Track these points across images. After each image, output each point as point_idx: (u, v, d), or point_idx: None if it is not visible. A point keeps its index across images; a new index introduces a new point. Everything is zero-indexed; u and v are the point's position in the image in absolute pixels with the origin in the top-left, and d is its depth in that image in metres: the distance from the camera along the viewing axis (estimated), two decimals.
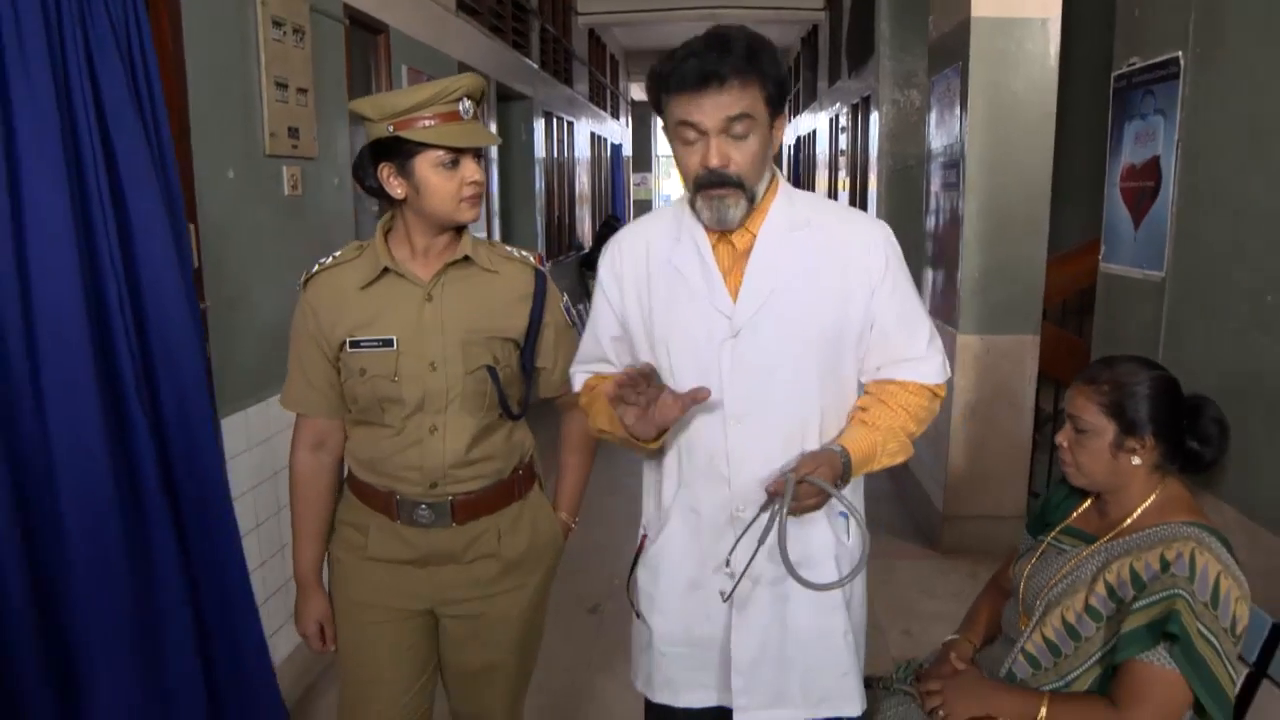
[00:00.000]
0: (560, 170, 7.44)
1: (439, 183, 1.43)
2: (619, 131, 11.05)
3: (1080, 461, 1.53)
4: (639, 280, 1.48)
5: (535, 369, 1.62)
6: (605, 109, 9.81)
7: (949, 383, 1.52)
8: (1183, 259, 1.85)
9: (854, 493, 1.47)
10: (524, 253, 1.62)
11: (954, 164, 3.65)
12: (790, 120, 10.85)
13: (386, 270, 1.49)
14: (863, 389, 1.50)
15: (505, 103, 5.55)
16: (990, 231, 3.50)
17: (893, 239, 1.45)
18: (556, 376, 1.64)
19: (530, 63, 6.07)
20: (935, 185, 4.00)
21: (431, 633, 1.64)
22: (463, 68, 4.42)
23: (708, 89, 1.29)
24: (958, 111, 3.57)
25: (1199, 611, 1.35)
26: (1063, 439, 1.56)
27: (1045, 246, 3.53)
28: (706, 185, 1.35)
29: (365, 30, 3.24)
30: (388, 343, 1.48)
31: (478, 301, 1.52)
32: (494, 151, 5.20)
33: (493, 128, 5.13)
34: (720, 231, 1.41)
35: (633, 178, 12.92)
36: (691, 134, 1.32)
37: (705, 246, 1.43)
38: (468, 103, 1.45)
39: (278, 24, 2.56)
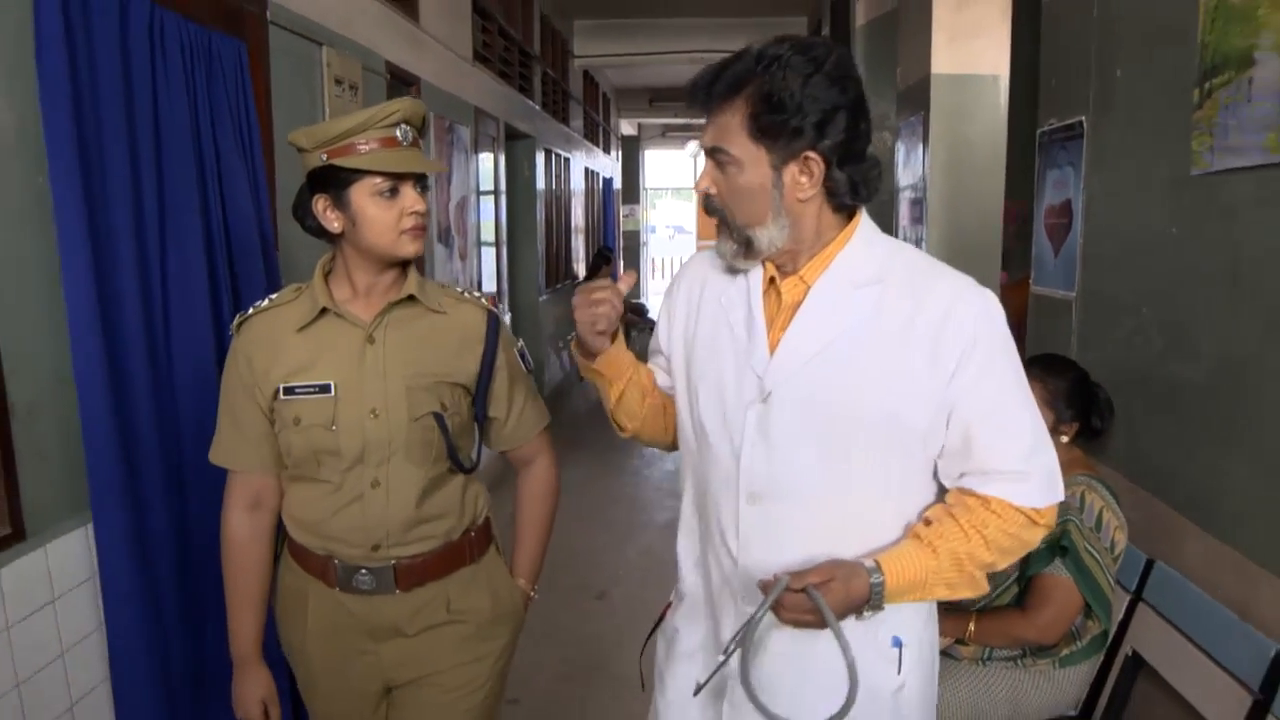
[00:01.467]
0: (558, 203, 7.90)
1: (377, 213, 1.33)
2: (610, 165, 11.55)
3: None
4: (690, 310, 1.31)
5: (487, 419, 1.50)
6: (598, 144, 10.31)
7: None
8: (1087, 282, 2.31)
9: (899, 614, 1.20)
10: (475, 293, 1.51)
11: (919, 199, 4.13)
12: None
13: (325, 311, 1.38)
14: (942, 494, 1.22)
15: (512, 141, 6.01)
16: (949, 258, 3.87)
17: (994, 312, 1.15)
18: (509, 428, 1.52)
19: (533, 104, 6.54)
20: (904, 217, 4.48)
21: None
22: (479, 113, 4.88)
23: (703, 112, 1.18)
24: (921, 153, 4.05)
25: (1085, 534, 1.79)
26: None
27: (998, 271, 4.00)
28: (705, 210, 1.23)
29: (401, 82, 3.68)
30: (324, 388, 1.36)
31: (424, 344, 1.41)
32: (503, 184, 5.64)
33: (501, 164, 5.58)
34: (785, 274, 1.22)
35: (621, 209, 13.40)
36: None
37: (757, 290, 1.23)
38: (406, 128, 1.35)
39: (338, 82, 3.01)
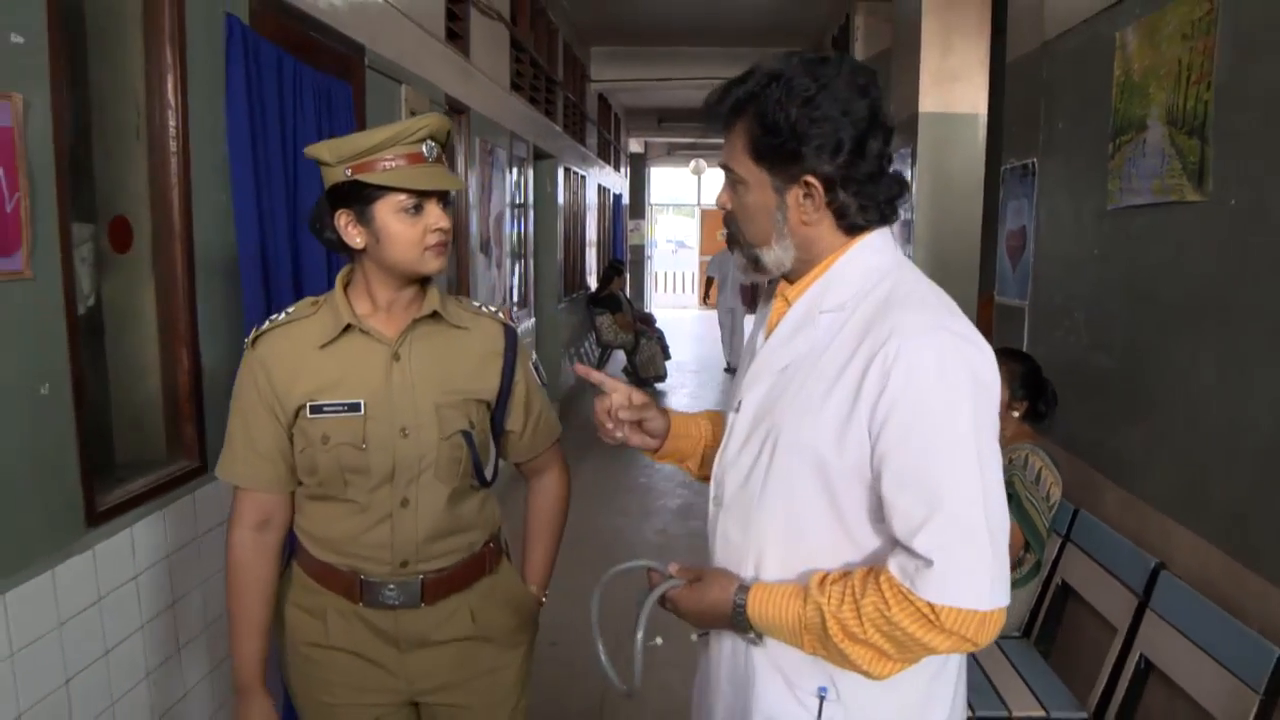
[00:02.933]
0: (574, 218, 8.45)
1: (401, 230, 1.30)
2: (619, 182, 12.11)
3: None
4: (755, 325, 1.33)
5: (504, 432, 1.50)
6: (609, 162, 10.87)
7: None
8: (1035, 292, 2.84)
9: (841, 671, 1.09)
10: (491, 307, 1.50)
11: (907, 222, 4.66)
12: None
13: (349, 327, 1.35)
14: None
15: (539, 161, 6.55)
16: (933, 275, 4.44)
17: (928, 358, 1.00)
18: (525, 441, 1.53)
19: (555, 126, 7.09)
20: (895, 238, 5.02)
21: None
22: (514, 136, 5.42)
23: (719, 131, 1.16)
24: (910, 182, 4.60)
25: (1027, 486, 2.31)
26: None
27: (976, 286, 4.53)
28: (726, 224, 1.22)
29: (455, 111, 4.22)
30: (354, 407, 1.33)
31: (449, 361, 1.40)
32: (530, 199, 6.18)
33: (529, 182, 6.12)
34: (784, 292, 1.20)
35: (628, 224, 13.94)
36: None
37: (770, 307, 1.24)
38: (432, 144, 1.32)
39: (413, 112, 3.54)
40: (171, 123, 2.04)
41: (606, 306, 8.57)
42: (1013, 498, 2.34)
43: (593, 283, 9.62)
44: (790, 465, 1.10)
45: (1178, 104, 1.98)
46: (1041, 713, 2.11)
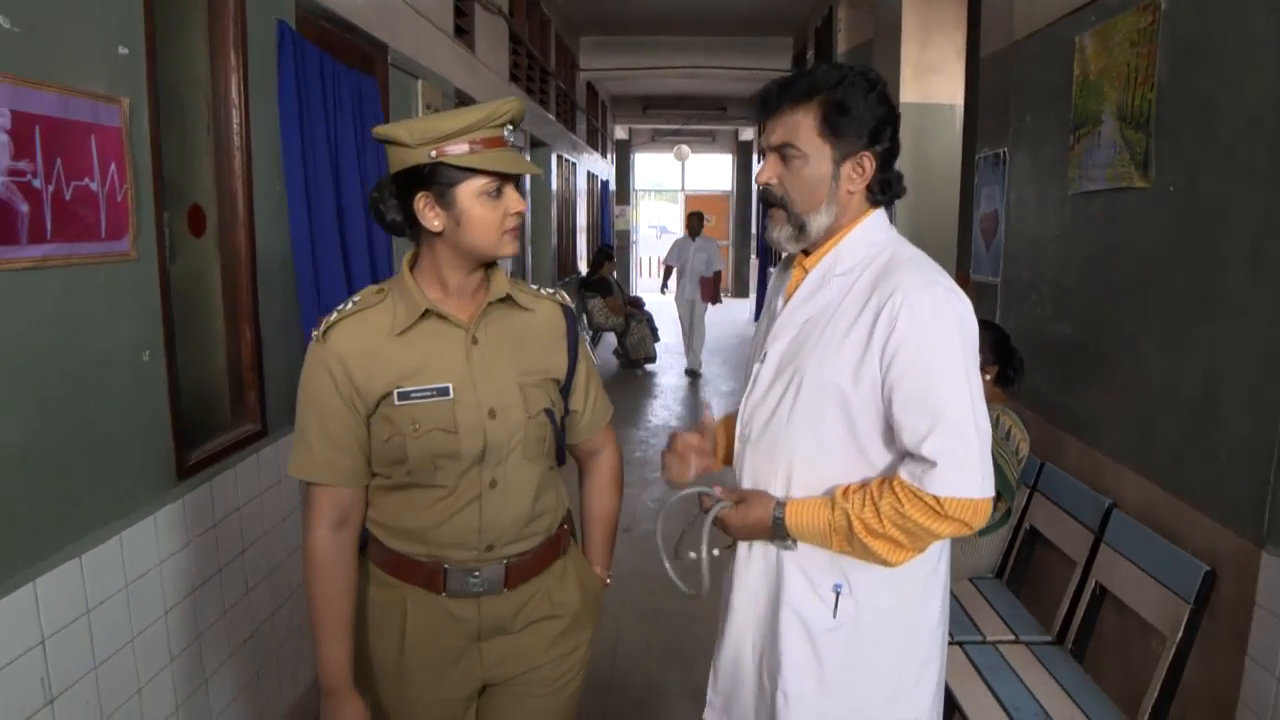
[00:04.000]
0: (566, 204, 8.67)
1: (483, 214, 1.30)
2: (607, 169, 12.32)
3: None
4: (769, 296, 1.57)
5: (569, 412, 1.51)
6: (597, 149, 11.08)
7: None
8: (1006, 270, 3.13)
9: (853, 568, 1.37)
10: (549, 290, 1.52)
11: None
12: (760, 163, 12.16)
13: (426, 313, 1.35)
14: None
15: (535, 149, 6.78)
16: None
17: (927, 307, 1.26)
18: (585, 419, 1.55)
19: (549, 115, 7.31)
20: None
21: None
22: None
23: (766, 117, 1.39)
24: None
25: (998, 441, 2.59)
26: None
27: (954, 267, 4.81)
28: (762, 201, 1.43)
29: (462, 103, 4.45)
30: (443, 391, 1.33)
31: (522, 342, 1.42)
32: (527, 185, 6.40)
33: None
34: (801, 260, 1.44)
35: (614, 209, 14.14)
36: (764, 154, 1.41)
37: (787, 276, 1.48)
38: (511, 128, 1.34)
39: (428, 106, 3.77)
40: (235, 120, 2.27)
41: (597, 290, 8.80)
42: None
43: (583, 268, 9.85)
44: (814, 399, 1.34)
45: (1127, 101, 2.26)
46: (1012, 637, 2.41)
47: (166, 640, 1.93)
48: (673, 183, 18.54)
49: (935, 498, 1.25)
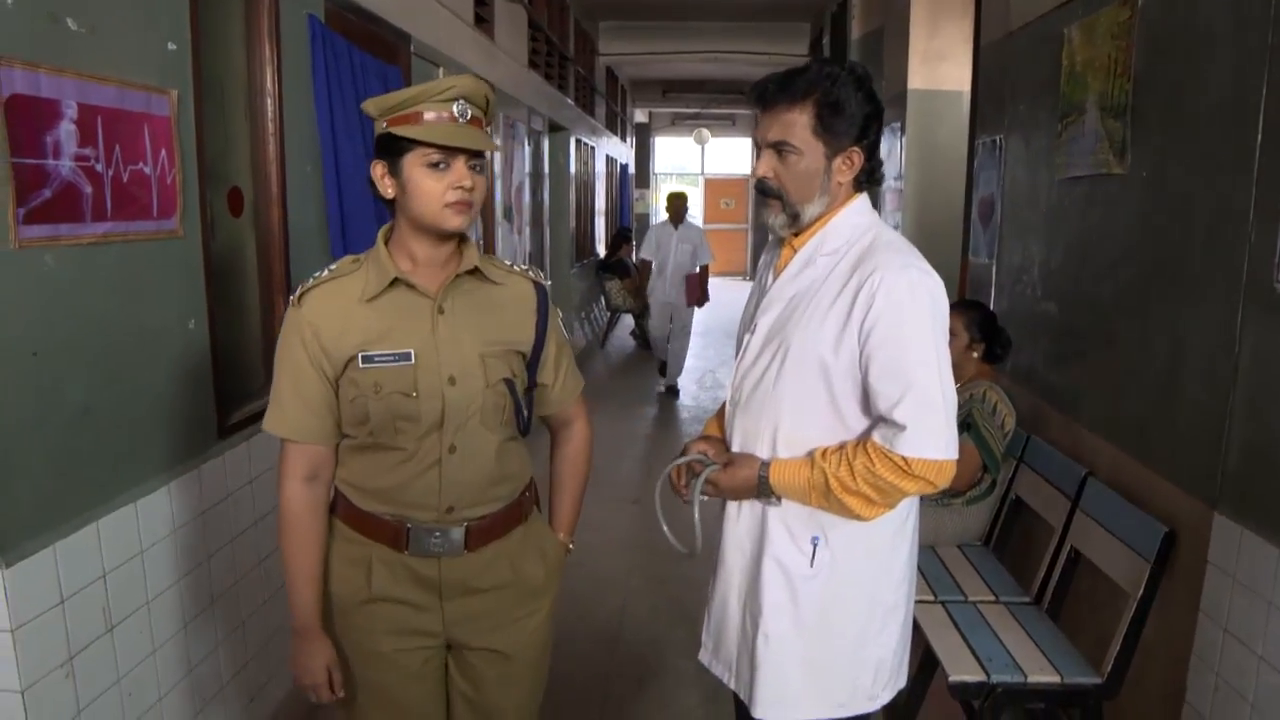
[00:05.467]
0: (584, 187, 8.83)
1: (425, 183, 1.35)
2: (626, 152, 12.45)
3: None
4: (758, 276, 1.70)
5: (537, 385, 1.58)
6: (616, 133, 11.21)
7: None
8: (1001, 252, 3.26)
9: (829, 522, 1.51)
10: (522, 266, 1.58)
11: (899, 190, 5.06)
12: None
13: (395, 281, 1.41)
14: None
15: (554, 133, 6.92)
16: (921, 238, 4.87)
17: (903, 287, 1.39)
18: (555, 392, 1.61)
19: (568, 99, 7.45)
20: (888, 204, 5.41)
21: (444, 672, 1.60)
22: (532, 112, 5.80)
23: (762, 112, 1.49)
24: (900, 153, 4.98)
25: (984, 416, 2.74)
26: None
27: (960, 250, 4.92)
28: (758, 191, 1.53)
29: None
30: (405, 356, 1.40)
31: (489, 314, 1.48)
32: (545, 169, 6.56)
33: (545, 154, 6.48)
34: (790, 241, 1.56)
35: (634, 193, 14.25)
36: (759, 146, 1.51)
37: (777, 254, 1.60)
38: (464, 104, 1.36)
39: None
40: (270, 108, 2.45)
41: (615, 272, 8.96)
42: (972, 427, 2.76)
43: (601, 250, 10.00)
44: (798, 367, 1.47)
45: (1108, 92, 2.38)
46: (992, 597, 2.56)
47: (210, 583, 2.13)
48: (693, 166, 18.62)
49: (904, 458, 1.38)
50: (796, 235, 1.55)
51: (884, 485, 1.41)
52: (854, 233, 1.50)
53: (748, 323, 1.62)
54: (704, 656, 1.75)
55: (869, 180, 1.53)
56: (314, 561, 1.48)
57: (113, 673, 1.78)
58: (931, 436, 1.38)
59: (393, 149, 1.37)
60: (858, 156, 1.48)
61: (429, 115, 1.34)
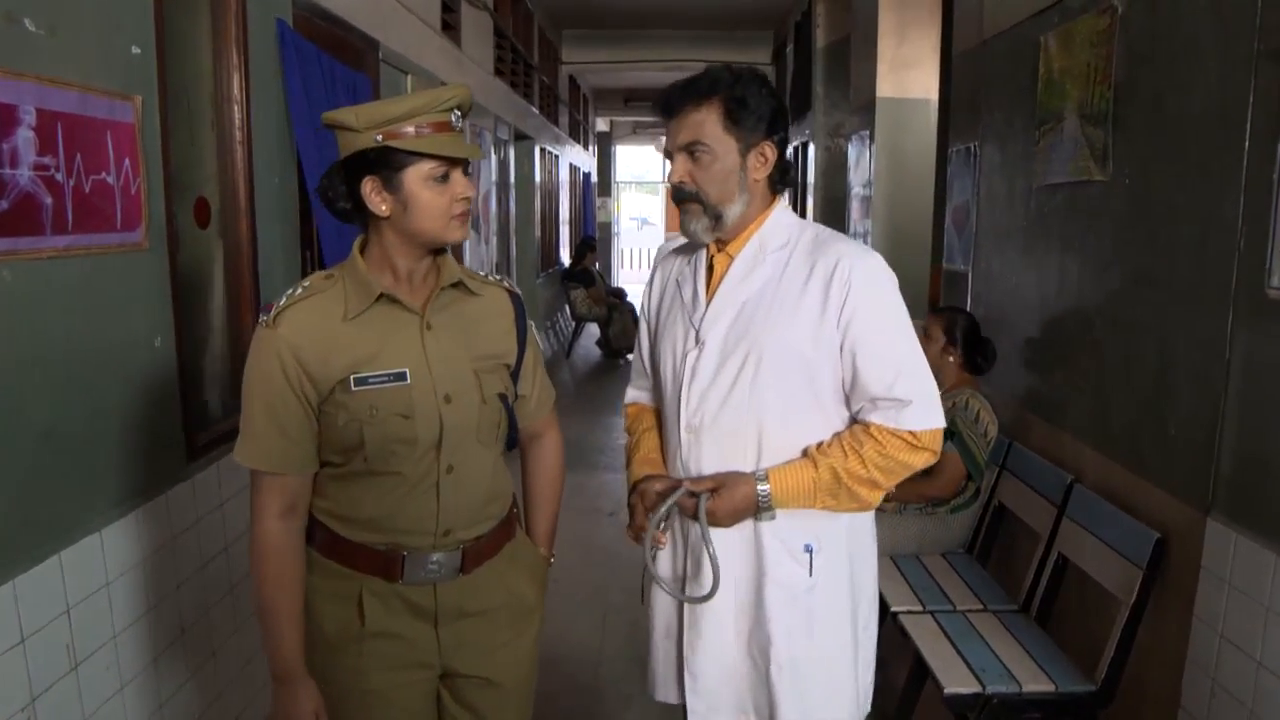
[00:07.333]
0: (549, 196, 8.76)
1: (430, 198, 1.30)
2: (589, 161, 12.41)
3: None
4: (659, 289, 1.64)
5: (518, 397, 1.52)
6: (579, 141, 11.16)
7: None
8: (977, 259, 3.27)
9: (815, 525, 1.48)
10: (496, 276, 1.53)
11: (867, 198, 5.08)
12: None
13: (381, 297, 1.34)
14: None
15: (519, 142, 6.85)
16: (889, 247, 4.92)
17: (875, 270, 1.42)
18: (533, 405, 1.56)
19: (533, 108, 7.38)
20: (854, 213, 5.43)
21: (436, 702, 1.51)
22: (498, 120, 5.73)
23: (670, 119, 1.47)
24: (868, 161, 5.00)
25: (967, 424, 2.73)
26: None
27: (929, 258, 4.96)
28: (675, 199, 1.50)
29: None
30: (400, 376, 1.33)
31: (474, 328, 1.43)
32: (511, 178, 6.49)
33: (511, 162, 6.42)
34: (718, 250, 1.52)
35: (596, 201, 14.22)
36: (670, 155, 1.49)
37: (701, 266, 1.54)
38: (458, 114, 1.33)
39: None
40: (237, 115, 2.36)
41: (580, 281, 8.90)
42: (955, 435, 2.75)
43: (565, 259, 9.94)
44: (778, 367, 1.44)
45: (1087, 99, 2.39)
46: (980, 606, 2.54)
47: (179, 614, 2.02)
48: (654, 175, 18.66)
49: (911, 432, 1.41)
50: (724, 243, 1.53)
51: (894, 465, 1.43)
52: (790, 231, 1.51)
53: (677, 345, 1.54)
54: (669, 697, 1.65)
55: (782, 181, 1.52)
56: (296, 601, 1.38)
57: (78, 714, 1.67)
58: (932, 406, 1.43)
59: (387, 163, 1.29)
60: (770, 151, 1.47)
61: (429, 126, 1.29)
